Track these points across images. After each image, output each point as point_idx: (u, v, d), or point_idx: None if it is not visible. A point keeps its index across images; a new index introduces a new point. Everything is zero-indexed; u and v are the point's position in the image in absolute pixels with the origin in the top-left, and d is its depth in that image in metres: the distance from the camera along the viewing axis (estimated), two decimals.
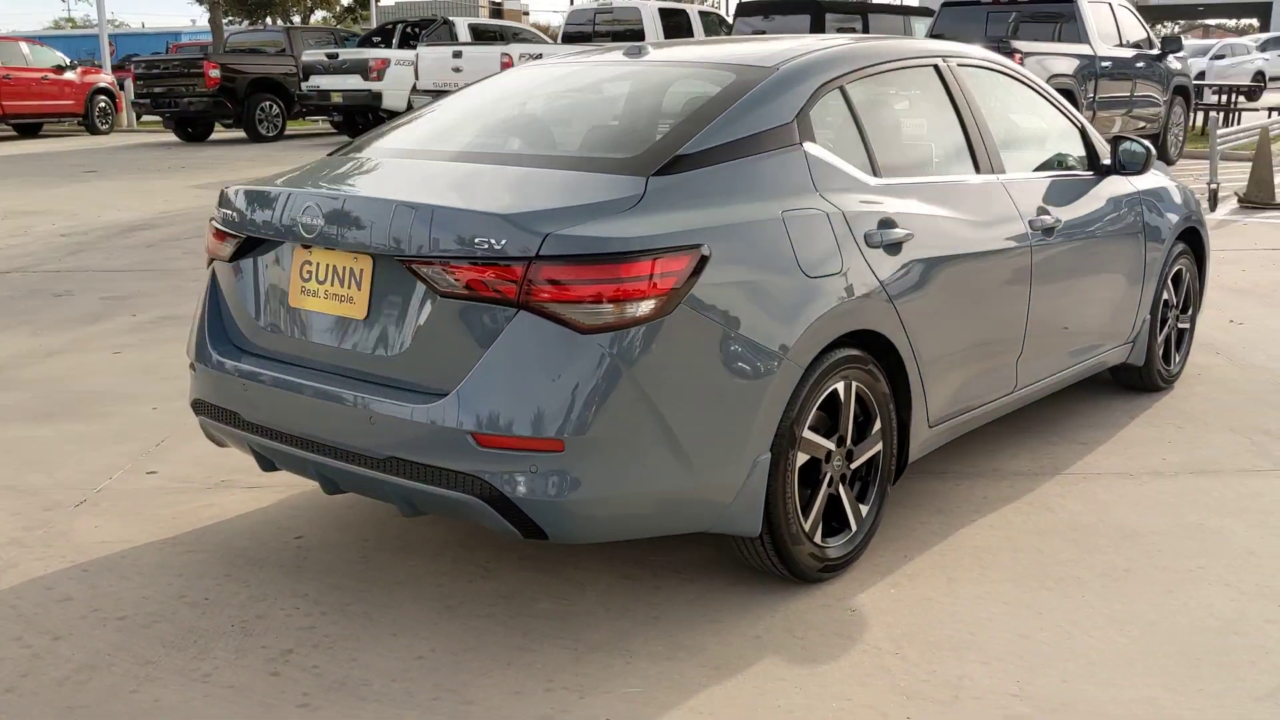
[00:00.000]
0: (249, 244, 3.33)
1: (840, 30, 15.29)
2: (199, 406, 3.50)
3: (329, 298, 3.09)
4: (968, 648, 2.97)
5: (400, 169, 3.45)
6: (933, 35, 13.84)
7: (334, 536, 3.75)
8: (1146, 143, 4.54)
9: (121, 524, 3.89)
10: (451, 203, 2.89)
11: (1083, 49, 12.43)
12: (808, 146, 3.28)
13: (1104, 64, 12.59)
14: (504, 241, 2.73)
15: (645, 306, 2.72)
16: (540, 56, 15.02)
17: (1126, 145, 4.54)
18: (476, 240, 2.76)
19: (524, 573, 3.43)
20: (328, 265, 3.09)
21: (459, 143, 3.66)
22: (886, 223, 3.34)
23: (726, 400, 2.89)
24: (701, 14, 18.23)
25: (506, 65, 15.79)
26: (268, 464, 3.33)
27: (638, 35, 16.91)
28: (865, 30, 15.53)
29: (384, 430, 2.89)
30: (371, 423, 2.91)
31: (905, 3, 25.22)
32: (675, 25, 17.54)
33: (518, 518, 2.77)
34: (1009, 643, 3.00)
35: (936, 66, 3.92)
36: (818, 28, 15.03)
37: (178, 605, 3.28)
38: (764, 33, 15.24)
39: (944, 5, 13.80)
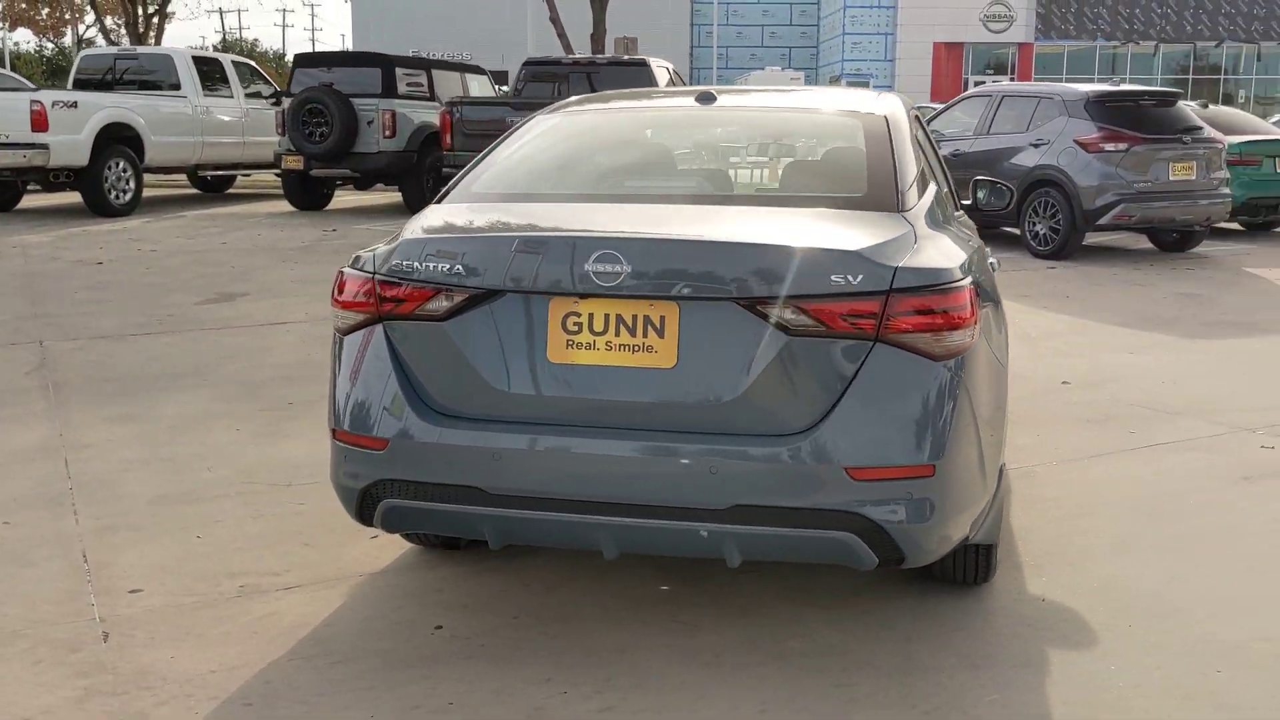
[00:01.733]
0: (465, 299, 3.01)
1: (409, 85, 15.39)
2: (390, 489, 3.06)
3: (616, 349, 2.90)
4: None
5: (623, 213, 3.28)
6: (516, 93, 14.43)
7: (472, 618, 3.44)
8: None
9: (201, 648, 3.27)
10: (795, 241, 2.89)
11: None
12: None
13: None
14: (860, 277, 2.81)
15: (971, 333, 2.93)
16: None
17: None
18: (832, 277, 2.80)
19: (729, 620, 3.41)
20: (609, 315, 2.90)
21: (638, 185, 3.55)
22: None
23: (998, 415, 3.17)
24: (235, 63, 17.37)
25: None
26: (454, 542, 3.06)
27: (169, 84, 15.76)
28: (430, 84, 15.76)
29: (730, 479, 2.80)
30: (713, 473, 2.81)
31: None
32: (209, 74, 16.56)
33: (885, 546, 2.83)
34: None
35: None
36: (389, 81, 15.01)
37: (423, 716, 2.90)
38: (330, 84, 14.94)
39: (526, 63, 14.46)
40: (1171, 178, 11.04)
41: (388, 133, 14.75)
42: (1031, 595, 3.56)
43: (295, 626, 3.41)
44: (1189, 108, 12.19)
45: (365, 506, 3.12)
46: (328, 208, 16.34)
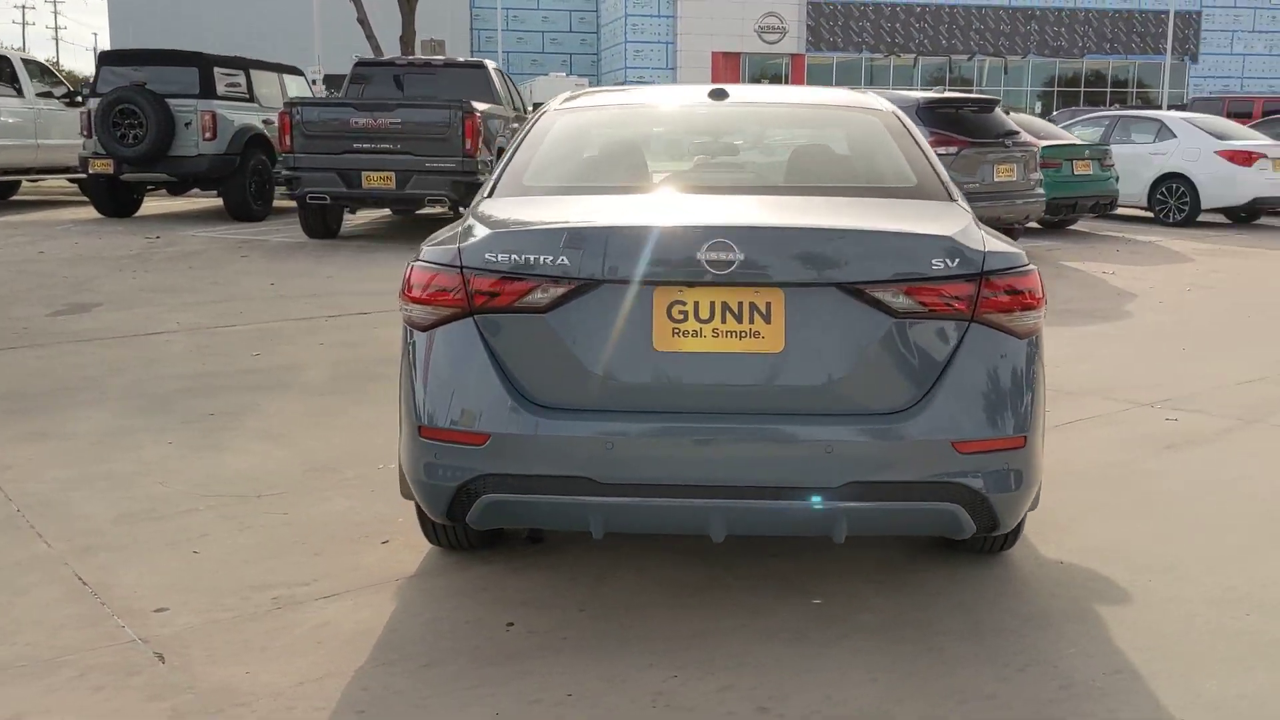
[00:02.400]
0: (567, 291, 3.00)
1: (228, 85, 14.76)
2: (492, 484, 3.02)
3: (723, 336, 2.96)
4: None
5: (718, 204, 3.33)
6: (346, 93, 14.07)
7: (538, 614, 3.42)
8: None
9: (272, 661, 3.14)
10: (893, 227, 3.02)
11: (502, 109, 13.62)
12: None
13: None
14: (957, 261, 2.98)
15: (1042, 313, 3.14)
16: None
17: None
18: (933, 262, 2.96)
19: (790, 600, 3.52)
20: (715, 302, 2.96)
21: (700, 177, 3.61)
22: None
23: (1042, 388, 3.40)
24: (25, 61, 16.24)
25: None
26: (538, 535, 3.09)
27: None
28: (249, 85, 15.16)
29: (845, 457, 2.91)
30: (829, 452, 2.91)
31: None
32: None
33: (985, 516, 3.01)
34: None
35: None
36: (207, 81, 14.36)
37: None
38: (143, 83, 14.18)
39: (357, 64, 14.11)
40: (996, 179, 11.82)
41: (208, 135, 14.11)
42: (1048, 559, 3.82)
43: (358, 634, 3.31)
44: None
45: (459, 503, 3.07)
46: (138, 214, 15.47)
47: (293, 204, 16.30)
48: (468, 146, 11.91)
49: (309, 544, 4.02)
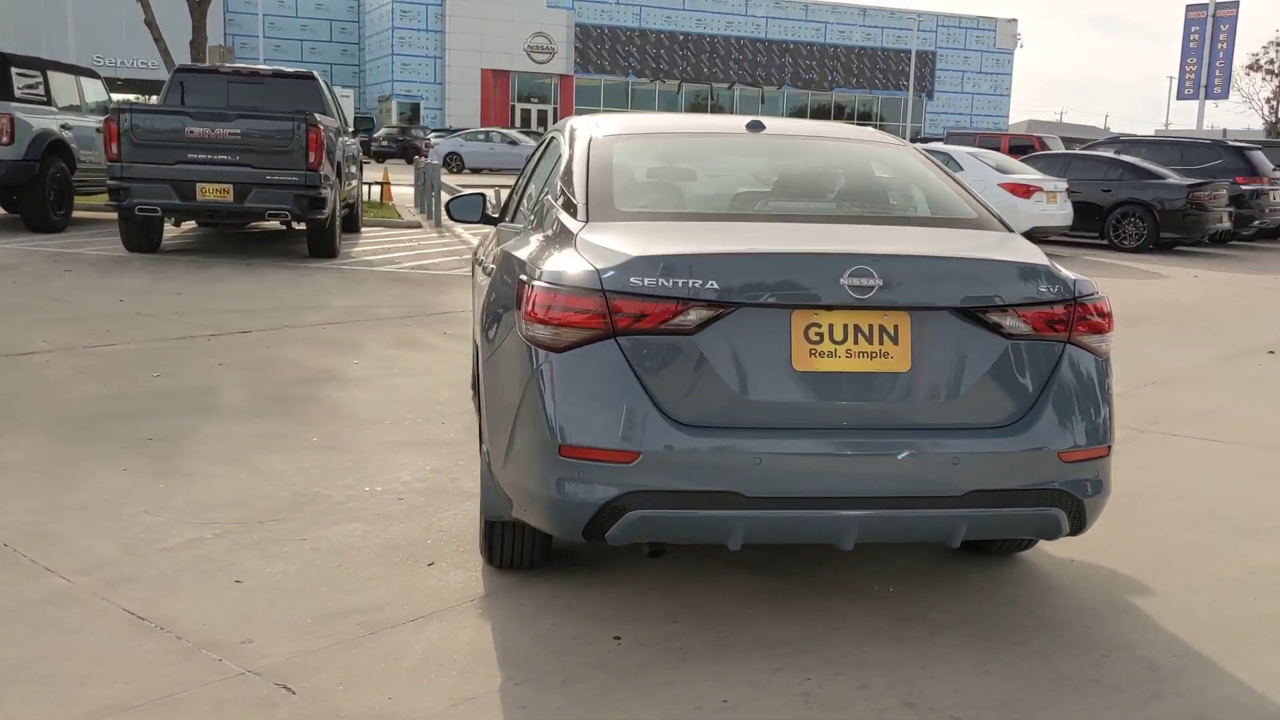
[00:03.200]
0: (713, 314, 3.13)
1: (26, 87, 13.76)
2: (641, 500, 3.10)
3: (855, 356, 3.16)
4: None
5: (821, 232, 3.52)
6: (165, 100, 13.41)
7: (637, 627, 3.52)
8: None
9: (402, 686, 3.12)
10: (1004, 256, 3.30)
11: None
12: None
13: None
14: (1056, 288, 3.30)
15: (1112, 334, 3.50)
16: None
17: None
18: (1038, 289, 3.27)
19: (867, 604, 3.75)
20: (848, 325, 3.16)
21: (791, 206, 3.78)
22: None
23: None
24: None
25: None
26: (659, 550, 3.24)
27: None
28: (47, 87, 14.19)
29: (970, 468, 3.17)
30: (955, 464, 3.16)
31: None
32: None
33: (1077, 519, 3.32)
34: None
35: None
36: (3, 81, 13.36)
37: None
38: None
39: (178, 70, 13.44)
40: None
41: (5, 139, 13.11)
42: (1061, 559, 4.20)
43: (474, 654, 3.32)
44: None
45: (603, 519, 3.14)
46: None
47: (91, 215, 15.43)
48: (311, 160, 11.59)
49: (354, 569, 3.95)
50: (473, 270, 6.08)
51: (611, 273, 3.16)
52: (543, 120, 59.36)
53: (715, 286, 3.12)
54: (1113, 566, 4.12)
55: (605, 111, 61.76)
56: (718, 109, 62.57)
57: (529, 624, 3.54)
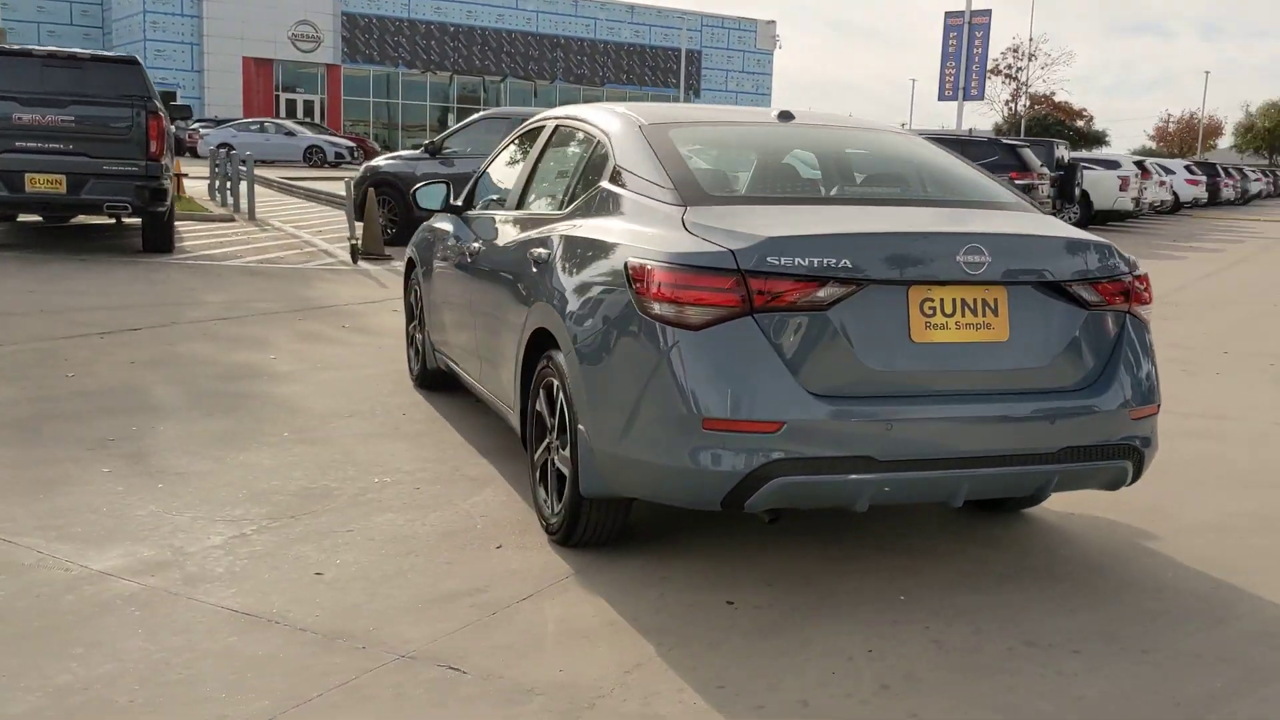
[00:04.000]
0: (845, 290, 3.33)
1: None
2: (784, 468, 3.26)
3: (963, 328, 3.43)
4: None
5: (940, 214, 3.79)
6: None
7: (743, 591, 3.68)
8: None
9: (558, 657, 3.19)
10: (1079, 235, 3.64)
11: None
12: None
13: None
14: (1120, 263, 3.67)
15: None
16: None
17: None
18: (1109, 263, 3.63)
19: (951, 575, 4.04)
20: (956, 299, 3.42)
21: (873, 191, 3.99)
22: None
23: None
24: None
25: None
26: (776, 516, 3.47)
27: None
28: None
29: (1063, 426, 3.49)
30: (1051, 423, 3.48)
31: None
32: None
33: (1138, 470, 3.70)
34: None
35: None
36: None
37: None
38: None
39: None
40: None
41: None
42: (1061, 513, 4.61)
43: (608, 625, 3.41)
44: None
45: (746, 488, 3.29)
46: None
47: None
48: (153, 149, 11.04)
49: (425, 556, 3.94)
50: (428, 260, 6.04)
51: (748, 253, 3.31)
52: (309, 111, 57.51)
53: (848, 264, 3.33)
54: (1112, 518, 4.56)
55: (375, 102, 60.59)
56: (492, 103, 62.26)
57: (637, 596, 3.64)
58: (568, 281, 3.94)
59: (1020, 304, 3.53)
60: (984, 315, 3.47)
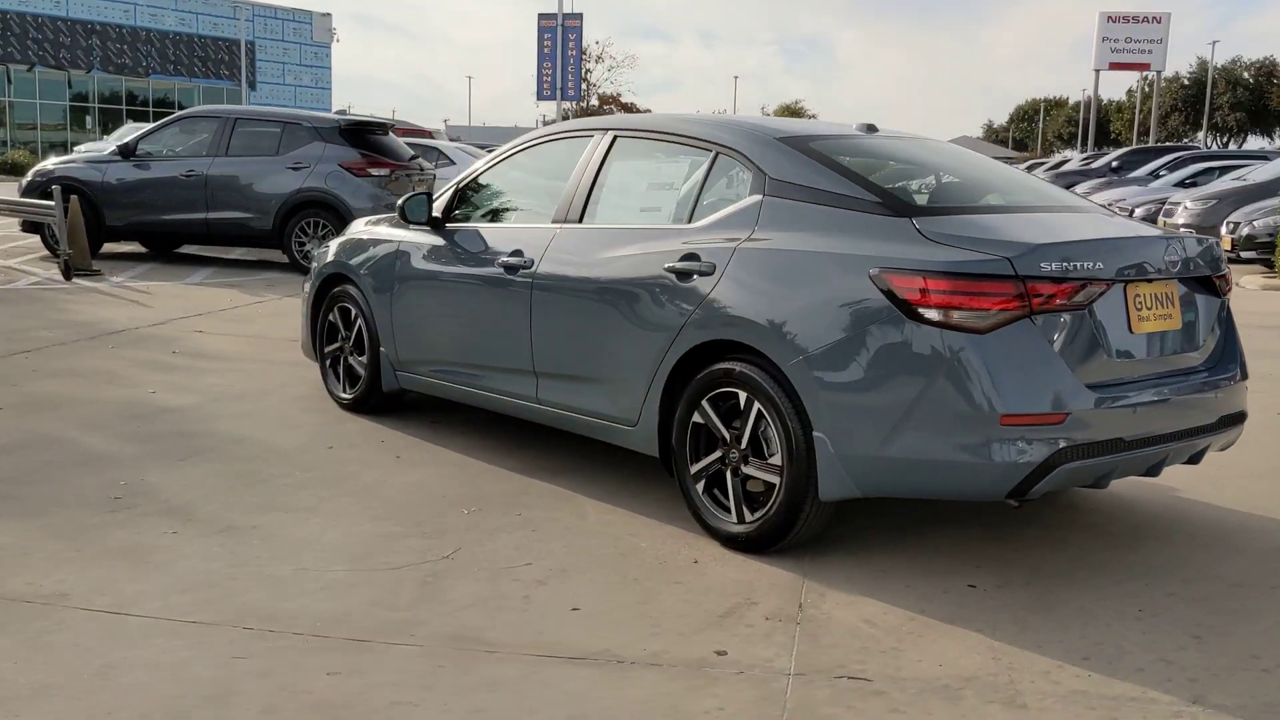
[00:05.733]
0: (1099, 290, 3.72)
1: None
2: (1069, 454, 3.59)
3: (1156, 319, 3.93)
4: None
5: (1058, 219, 4.13)
6: None
7: (977, 576, 3.98)
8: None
9: (905, 655, 3.36)
10: (1197, 237, 4.25)
11: None
12: None
13: None
14: (1222, 258, 4.35)
15: None
16: None
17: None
18: (1220, 259, 4.29)
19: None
20: (1151, 294, 3.91)
21: (1026, 199, 4.29)
22: None
23: None
24: None
25: None
26: (1103, 482, 3.83)
27: None
28: None
29: (1220, 400, 4.10)
30: (1216, 397, 4.07)
31: None
32: None
33: (1240, 434, 4.40)
34: None
35: None
36: None
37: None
38: None
39: None
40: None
41: None
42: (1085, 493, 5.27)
43: (905, 620, 3.58)
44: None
45: (1035, 476, 3.59)
46: None
47: None
48: None
49: (653, 581, 3.87)
50: (385, 277, 5.68)
51: (1023, 259, 3.62)
52: None
53: (1100, 267, 3.74)
54: (1187, 492, 5.05)
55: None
56: (159, 103, 55.97)
57: (882, 588, 3.82)
58: (773, 293, 3.98)
59: (1186, 296, 4.11)
60: (1167, 307, 4.01)
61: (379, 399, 5.96)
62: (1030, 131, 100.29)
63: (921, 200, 4.18)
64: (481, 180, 5.58)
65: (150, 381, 6.65)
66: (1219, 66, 60.06)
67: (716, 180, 4.48)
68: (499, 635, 3.40)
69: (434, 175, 13.34)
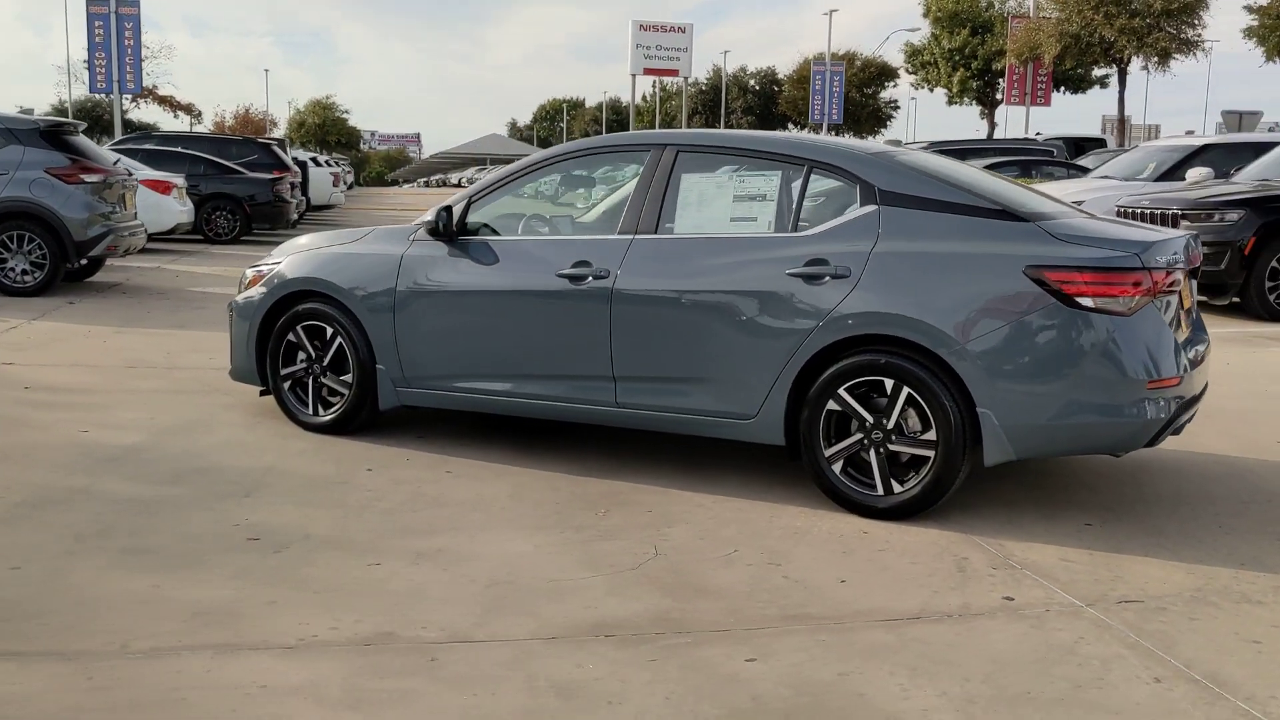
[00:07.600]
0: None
1: None
2: (1178, 410, 4.44)
3: (1188, 299, 4.90)
4: None
5: (1102, 224, 4.94)
6: None
7: (1101, 514, 4.77)
8: None
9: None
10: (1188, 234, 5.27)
11: None
12: None
13: None
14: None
15: None
16: None
17: None
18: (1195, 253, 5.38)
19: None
20: (1186, 280, 4.89)
21: (1044, 203, 4.99)
22: None
23: None
24: None
25: None
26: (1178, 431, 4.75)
27: None
28: None
29: (1208, 367, 5.17)
30: (1205, 364, 5.13)
31: None
32: None
33: None
34: None
35: None
36: None
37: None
38: None
39: None
40: (127, 208, 11.47)
41: None
42: (1210, 450, 6.24)
43: (1057, 565, 4.20)
44: None
45: (1165, 428, 4.44)
46: None
47: None
48: None
49: (825, 552, 4.26)
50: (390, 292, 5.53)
51: (1146, 255, 4.44)
52: None
53: (1179, 258, 4.64)
54: (1228, 454, 6.23)
55: None
56: None
57: (1034, 535, 4.48)
58: (922, 290, 4.49)
59: (1188, 286, 5.12)
60: (1185, 292, 5.01)
61: (367, 418, 5.74)
62: (553, 130, 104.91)
63: (1024, 208, 4.91)
64: (496, 196, 5.56)
65: (60, 421, 5.87)
66: (730, 74, 66.69)
67: (813, 192, 4.92)
68: (822, 609, 3.70)
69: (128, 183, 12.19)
